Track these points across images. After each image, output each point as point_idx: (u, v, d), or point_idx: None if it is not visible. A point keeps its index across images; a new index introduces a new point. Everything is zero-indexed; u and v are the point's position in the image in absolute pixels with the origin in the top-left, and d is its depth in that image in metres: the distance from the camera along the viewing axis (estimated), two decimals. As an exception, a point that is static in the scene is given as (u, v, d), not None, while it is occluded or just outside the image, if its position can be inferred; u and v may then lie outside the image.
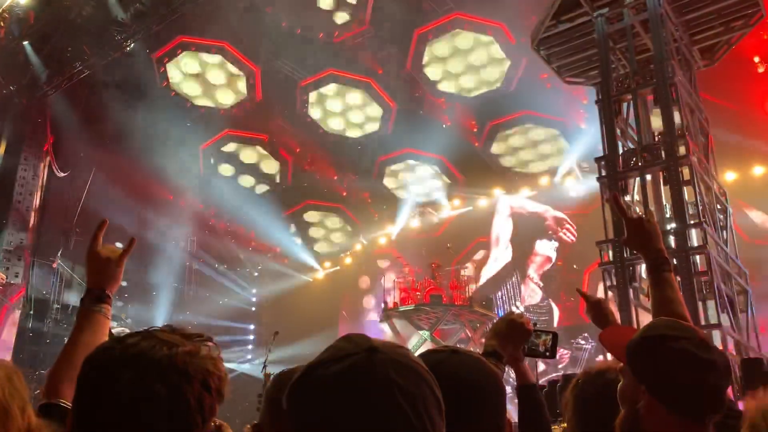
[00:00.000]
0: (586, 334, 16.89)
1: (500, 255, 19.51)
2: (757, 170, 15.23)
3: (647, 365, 1.72)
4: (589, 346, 16.82)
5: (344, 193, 20.70)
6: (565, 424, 2.40)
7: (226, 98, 17.73)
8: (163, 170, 18.10)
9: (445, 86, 16.93)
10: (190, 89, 17.50)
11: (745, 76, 14.20)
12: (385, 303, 17.17)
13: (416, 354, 1.34)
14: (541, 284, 18.75)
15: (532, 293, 18.82)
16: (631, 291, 8.56)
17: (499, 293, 18.89)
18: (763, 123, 14.55)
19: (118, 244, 1.98)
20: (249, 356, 20.39)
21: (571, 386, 2.57)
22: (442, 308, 15.92)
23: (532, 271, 18.98)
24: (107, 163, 17.35)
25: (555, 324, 17.99)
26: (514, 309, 18.30)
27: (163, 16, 14.50)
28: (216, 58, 16.77)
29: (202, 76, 17.26)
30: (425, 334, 15.90)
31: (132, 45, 15.30)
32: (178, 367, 1.12)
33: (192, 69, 17.02)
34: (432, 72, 16.64)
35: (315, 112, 18.10)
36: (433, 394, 0.96)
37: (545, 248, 18.95)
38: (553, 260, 18.73)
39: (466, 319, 16.22)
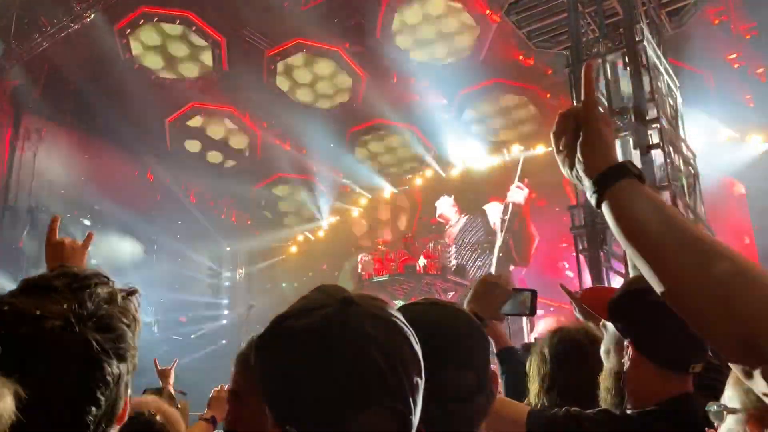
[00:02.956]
0: None
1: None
2: (723, 134, 15.43)
3: (631, 319, 1.72)
4: None
5: (314, 166, 20.54)
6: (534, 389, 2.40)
7: (191, 70, 17.32)
8: (129, 145, 17.74)
9: (417, 55, 16.75)
10: (153, 62, 17.05)
11: (712, 40, 14.33)
12: (360, 274, 17.17)
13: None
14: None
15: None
16: (602, 254, 8.68)
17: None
18: (729, 87, 14.74)
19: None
20: (223, 330, 20.33)
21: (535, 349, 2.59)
22: (415, 278, 15.99)
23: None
24: (71, 138, 16.95)
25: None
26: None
27: (124, -14, 14.07)
28: (177, 29, 16.31)
29: (164, 48, 16.81)
30: (400, 304, 15.98)
31: (92, 16, 14.81)
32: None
33: (153, 41, 16.55)
34: (402, 41, 16.44)
35: (283, 83, 17.80)
36: (411, 350, 0.91)
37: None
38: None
39: (440, 287, 16.32)
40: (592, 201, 1.19)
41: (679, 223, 1.05)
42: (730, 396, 1.36)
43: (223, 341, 19.48)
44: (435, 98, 17.68)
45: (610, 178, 1.15)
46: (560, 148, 1.27)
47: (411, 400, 0.87)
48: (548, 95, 16.37)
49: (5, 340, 0.94)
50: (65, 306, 0.98)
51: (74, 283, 1.03)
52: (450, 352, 1.24)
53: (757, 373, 0.90)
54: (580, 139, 1.22)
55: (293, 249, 22.71)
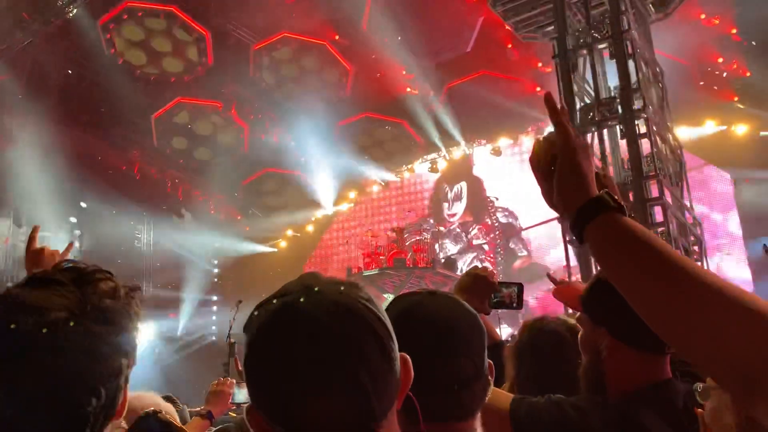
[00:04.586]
0: None
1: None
2: (709, 125, 15.55)
3: (603, 306, 1.71)
4: None
5: (303, 159, 20.49)
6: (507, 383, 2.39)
7: (176, 65, 17.18)
8: (115, 141, 17.59)
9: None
10: (137, 57, 16.89)
11: (697, 34, 14.43)
12: (349, 268, 17.18)
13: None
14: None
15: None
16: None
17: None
18: (714, 78, 14.87)
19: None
20: (213, 327, 20.26)
21: (512, 343, 2.59)
22: (405, 271, 16.04)
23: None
24: (55, 134, 16.77)
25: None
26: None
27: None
28: (161, 24, 16.17)
29: (148, 43, 16.66)
30: (390, 297, 16.03)
31: (75, 11, 14.66)
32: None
33: (136, 36, 16.39)
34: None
35: (269, 77, 17.71)
36: (377, 342, 0.87)
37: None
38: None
39: (429, 281, 16.37)
40: (575, 238, 1.10)
41: (661, 256, 0.98)
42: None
43: (213, 337, 19.44)
44: (423, 91, 17.68)
45: (587, 215, 1.07)
46: (538, 176, 1.18)
47: (369, 386, 0.84)
48: (537, 87, 16.36)
49: (10, 331, 0.94)
50: (70, 299, 1.00)
51: (79, 278, 1.05)
52: (448, 340, 1.23)
53: (759, 407, 0.85)
54: (556, 170, 1.13)
55: (282, 244, 22.68)
